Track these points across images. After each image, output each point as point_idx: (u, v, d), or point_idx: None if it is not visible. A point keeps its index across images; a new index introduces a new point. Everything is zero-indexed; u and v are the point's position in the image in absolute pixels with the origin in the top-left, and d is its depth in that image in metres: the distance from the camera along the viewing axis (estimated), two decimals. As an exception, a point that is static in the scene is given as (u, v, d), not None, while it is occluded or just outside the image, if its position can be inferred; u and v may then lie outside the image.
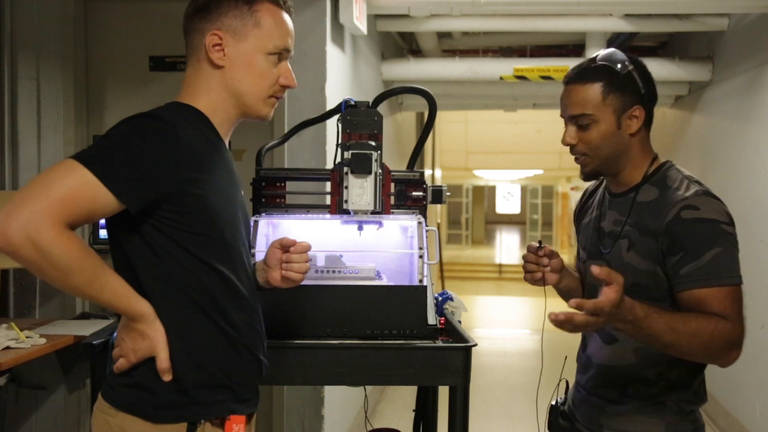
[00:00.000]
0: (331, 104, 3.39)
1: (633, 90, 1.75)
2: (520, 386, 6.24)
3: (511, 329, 9.20)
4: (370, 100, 2.33)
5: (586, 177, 1.85)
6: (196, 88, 1.65)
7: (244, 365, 1.60)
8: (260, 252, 2.23)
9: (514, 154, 15.28)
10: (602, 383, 1.85)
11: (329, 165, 3.36)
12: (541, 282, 1.91)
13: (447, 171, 14.97)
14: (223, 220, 1.55)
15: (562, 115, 1.85)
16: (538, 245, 1.92)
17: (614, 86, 1.74)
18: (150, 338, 1.48)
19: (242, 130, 3.44)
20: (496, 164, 17.05)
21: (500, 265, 19.80)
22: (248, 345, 1.60)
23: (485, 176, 21.33)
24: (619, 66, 1.75)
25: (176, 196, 1.47)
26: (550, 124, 13.29)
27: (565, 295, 1.96)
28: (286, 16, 1.65)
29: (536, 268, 1.90)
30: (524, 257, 1.93)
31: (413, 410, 2.64)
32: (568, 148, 1.83)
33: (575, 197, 16.99)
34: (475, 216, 24.71)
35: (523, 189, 27.39)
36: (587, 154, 1.79)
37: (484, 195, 29.45)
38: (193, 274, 1.51)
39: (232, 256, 1.59)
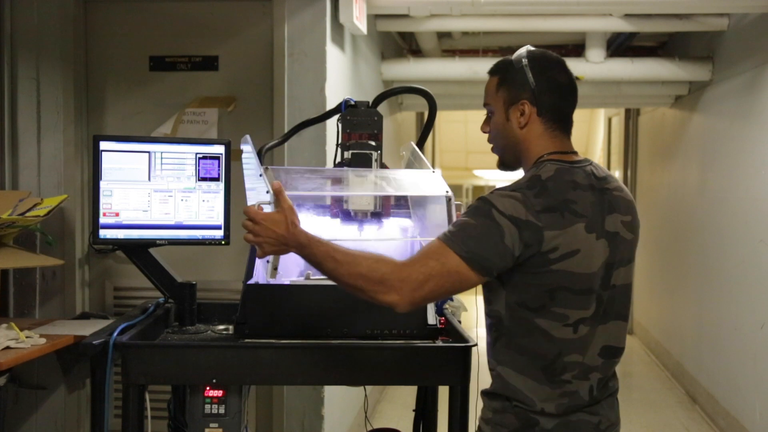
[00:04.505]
0: (331, 104, 3.39)
1: (522, 85, 1.78)
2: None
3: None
4: (370, 100, 2.33)
5: (498, 167, 1.93)
6: None
7: None
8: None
9: (514, 154, 15.22)
10: None
11: (329, 165, 3.36)
12: None
13: (447, 171, 14.94)
14: None
15: None
16: None
17: (506, 80, 1.80)
18: None
19: (241, 129, 3.44)
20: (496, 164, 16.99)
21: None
22: None
23: (485, 176, 21.30)
24: (516, 61, 1.80)
25: None
26: (550, 123, 13.22)
27: None
28: None
29: None
30: None
31: (413, 410, 2.64)
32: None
33: (575, 197, 16.86)
34: (474, 216, 24.64)
35: (523, 189, 27.29)
36: (492, 143, 1.89)
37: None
38: None
39: None
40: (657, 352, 7.05)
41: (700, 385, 5.50)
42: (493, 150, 1.89)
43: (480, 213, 1.67)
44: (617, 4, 4.60)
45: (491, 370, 1.78)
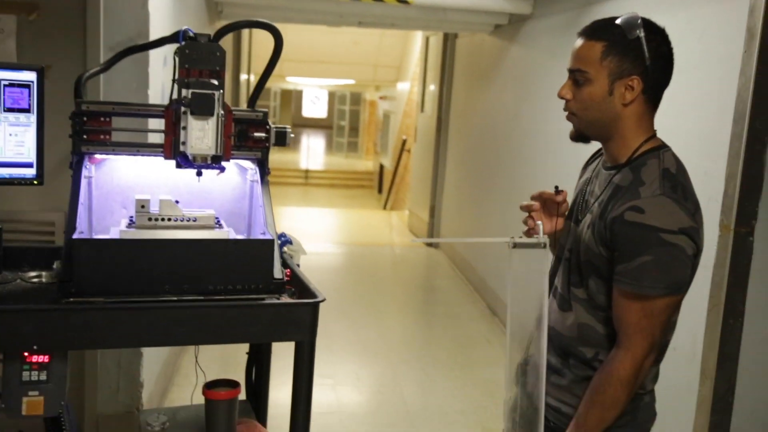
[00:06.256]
0: (154, 21, 3.05)
1: (635, 58, 1.64)
2: (334, 306, 6.34)
3: (321, 243, 9.27)
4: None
5: (572, 137, 1.79)
6: None
7: None
8: (81, 204, 2.00)
9: (329, 64, 15.08)
10: (550, 348, 1.83)
11: (152, 90, 3.07)
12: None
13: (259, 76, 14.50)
14: None
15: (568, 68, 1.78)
16: (556, 189, 1.91)
17: (616, 49, 1.65)
18: None
19: (46, 44, 3.01)
20: (311, 72, 16.78)
21: (307, 171, 19.85)
22: None
23: (298, 83, 21.00)
24: (629, 30, 1.64)
25: None
26: (368, 36, 13.19)
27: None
28: None
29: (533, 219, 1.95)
30: (529, 207, 1.96)
31: (246, 352, 2.58)
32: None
33: (383, 106, 17.20)
34: (282, 119, 24.49)
35: (331, 95, 27.39)
36: (575, 113, 1.73)
37: (291, 98, 29.17)
38: None
39: None
40: (462, 267, 7.48)
41: (500, 300, 5.93)
42: (573, 118, 1.74)
43: (651, 244, 1.57)
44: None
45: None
